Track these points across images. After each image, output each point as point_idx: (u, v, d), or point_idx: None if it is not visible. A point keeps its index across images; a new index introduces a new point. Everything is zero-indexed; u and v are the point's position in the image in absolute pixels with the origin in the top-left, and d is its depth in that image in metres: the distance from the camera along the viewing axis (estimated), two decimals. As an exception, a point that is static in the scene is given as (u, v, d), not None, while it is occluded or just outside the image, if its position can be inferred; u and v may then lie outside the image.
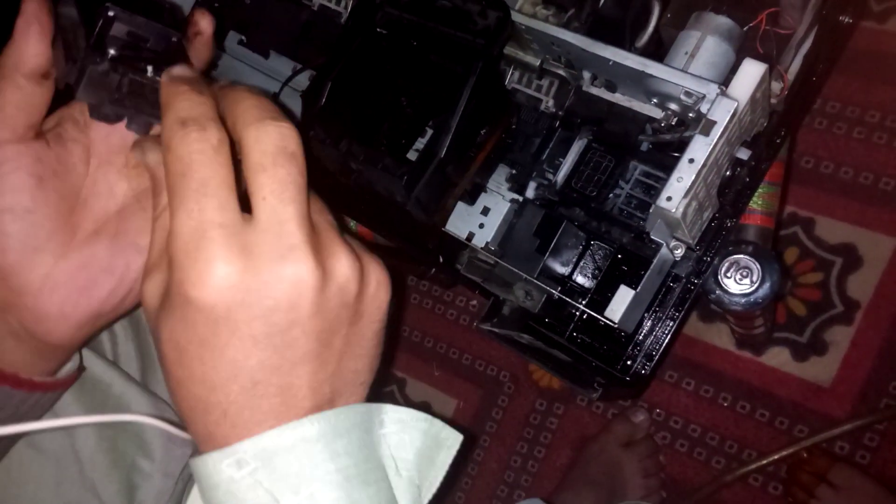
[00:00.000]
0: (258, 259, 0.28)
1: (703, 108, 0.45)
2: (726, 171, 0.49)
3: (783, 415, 0.88)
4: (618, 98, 0.54)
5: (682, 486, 0.91)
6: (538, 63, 0.54)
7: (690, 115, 0.48)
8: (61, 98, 0.35)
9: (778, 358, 0.89)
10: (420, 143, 0.57)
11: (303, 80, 0.64)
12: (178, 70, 0.32)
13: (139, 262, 0.37)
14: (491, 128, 0.51)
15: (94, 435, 0.50)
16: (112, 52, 0.32)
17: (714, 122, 0.43)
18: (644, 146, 0.53)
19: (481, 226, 0.57)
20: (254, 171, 0.29)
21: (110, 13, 0.31)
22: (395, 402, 0.77)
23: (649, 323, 0.52)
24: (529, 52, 0.54)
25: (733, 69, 0.48)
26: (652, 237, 0.51)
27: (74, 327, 0.37)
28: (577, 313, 0.54)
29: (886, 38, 0.90)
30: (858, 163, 0.89)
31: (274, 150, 0.29)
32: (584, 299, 0.53)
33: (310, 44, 0.65)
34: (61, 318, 0.36)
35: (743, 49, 0.51)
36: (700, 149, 0.43)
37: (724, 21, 0.50)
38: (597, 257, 0.54)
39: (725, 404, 0.91)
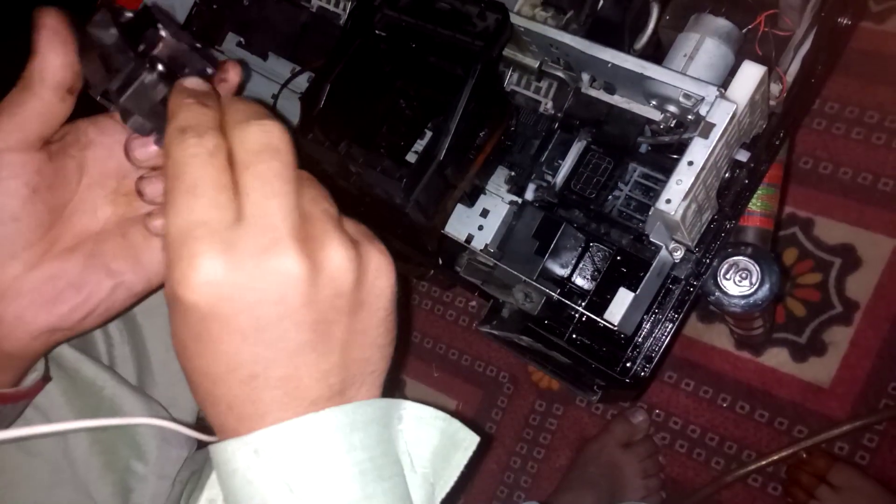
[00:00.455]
0: (241, 254, 0.28)
1: (702, 110, 0.45)
2: (725, 173, 0.49)
3: (782, 415, 0.88)
4: (617, 100, 0.54)
5: (681, 487, 0.91)
6: (537, 65, 0.54)
7: (689, 117, 0.48)
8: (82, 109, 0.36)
9: (777, 359, 0.89)
10: (419, 146, 0.57)
11: (302, 81, 0.64)
12: (190, 82, 0.33)
13: (107, 285, 0.38)
14: (490, 130, 0.51)
15: (87, 438, 0.50)
16: (160, 67, 0.32)
17: (713, 125, 0.43)
18: (643, 148, 0.53)
19: (480, 228, 0.57)
20: (239, 171, 0.29)
21: (162, 33, 0.33)
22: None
23: (648, 325, 0.52)
24: (528, 54, 0.54)
25: (732, 71, 0.48)
26: (651, 239, 0.51)
27: (29, 337, 0.37)
28: (577, 315, 0.54)
29: (885, 39, 0.90)
30: (857, 163, 0.89)
31: (257, 147, 0.29)
32: (583, 301, 0.53)
33: (308, 46, 0.65)
34: (18, 325, 0.36)
35: (742, 51, 0.51)
36: (699, 151, 0.43)
37: (722, 23, 0.51)
38: (596, 259, 0.54)
39: (725, 405, 0.91)
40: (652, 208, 0.44)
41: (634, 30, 0.55)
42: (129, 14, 0.33)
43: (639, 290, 0.50)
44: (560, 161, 0.55)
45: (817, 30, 0.53)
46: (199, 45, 0.34)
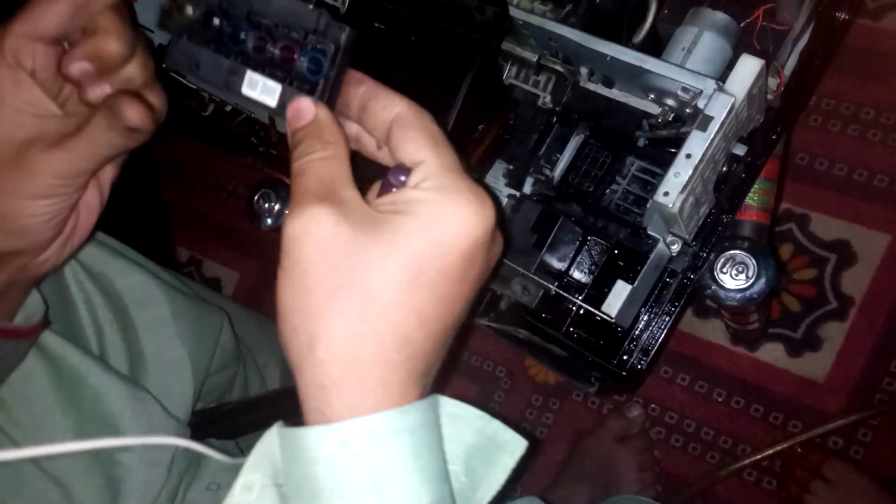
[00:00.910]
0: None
1: (700, 103, 0.45)
2: (723, 167, 0.49)
3: (777, 410, 0.88)
4: (615, 94, 0.54)
5: (676, 481, 0.92)
6: (535, 59, 0.54)
7: (687, 110, 0.48)
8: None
9: (772, 354, 0.90)
10: (417, 138, 0.57)
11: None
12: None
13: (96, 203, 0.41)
14: (488, 123, 0.51)
15: (73, 431, 0.50)
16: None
17: (711, 118, 0.43)
18: (641, 142, 0.54)
19: (478, 221, 0.57)
20: None
21: None
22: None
23: (645, 318, 0.52)
24: (527, 47, 0.54)
25: (730, 65, 0.48)
26: (649, 232, 0.51)
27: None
28: (574, 308, 0.54)
29: (881, 36, 0.90)
30: (853, 160, 0.89)
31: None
32: (580, 294, 0.53)
33: (307, 38, 0.65)
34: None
35: (740, 45, 0.51)
36: (697, 144, 0.43)
37: (721, 17, 0.51)
38: (593, 253, 0.54)
39: (720, 400, 0.91)
40: (650, 201, 0.45)
41: (632, 24, 0.55)
42: None
43: (636, 283, 0.50)
44: (558, 155, 0.56)
45: (815, 24, 0.53)
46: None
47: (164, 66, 0.36)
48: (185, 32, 0.35)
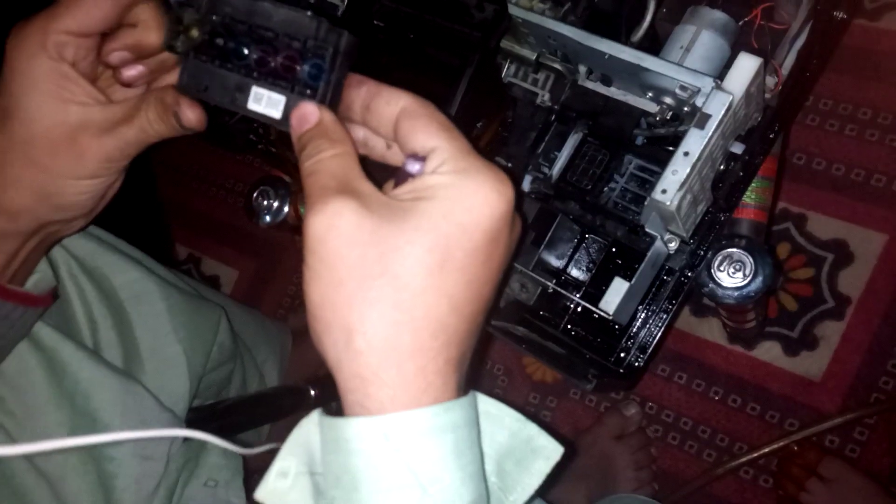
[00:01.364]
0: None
1: (699, 101, 0.45)
2: (720, 165, 0.49)
3: (774, 408, 0.89)
4: (613, 92, 0.54)
5: (673, 479, 0.92)
6: (534, 57, 0.55)
7: (685, 108, 0.48)
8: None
9: (769, 352, 0.90)
10: (416, 136, 0.57)
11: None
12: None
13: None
14: (487, 121, 0.52)
15: (66, 427, 0.50)
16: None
17: (709, 116, 0.44)
18: (639, 140, 0.54)
19: (477, 218, 0.57)
20: None
21: None
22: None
23: (643, 315, 0.53)
24: (526, 45, 0.54)
25: (728, 63, 0.48)
26: (647, 230, 0.51)
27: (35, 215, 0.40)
28: (572, 306, 0.54)
29: (878, 36, 0.91)
30: (850, 159, 0.89)
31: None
32: (578, 292, 0.53)
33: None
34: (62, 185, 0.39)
35: (738, 44, 0.52)
36: (695, 142, 0.44)
37: (719, 16, 0.51)
38: (591, 250, 0.54)
39: (717, 398, 0.91)
40: (648, 198, 0.45)
41: (631, 22, 0.56)
42: None
43: (634, 280, 0.50)
44: (556, 153, 0.56)
45: (813, 23, 0.53)
46: None
47: (175, 88, 0.37)
48: (192, 52, 0.36)
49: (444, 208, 0.29)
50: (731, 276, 0.53)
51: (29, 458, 0.49)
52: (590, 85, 0.55)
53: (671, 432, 0.93)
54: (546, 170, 0.56)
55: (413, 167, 0.31)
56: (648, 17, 0.55)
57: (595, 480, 0.89)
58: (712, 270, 0.53)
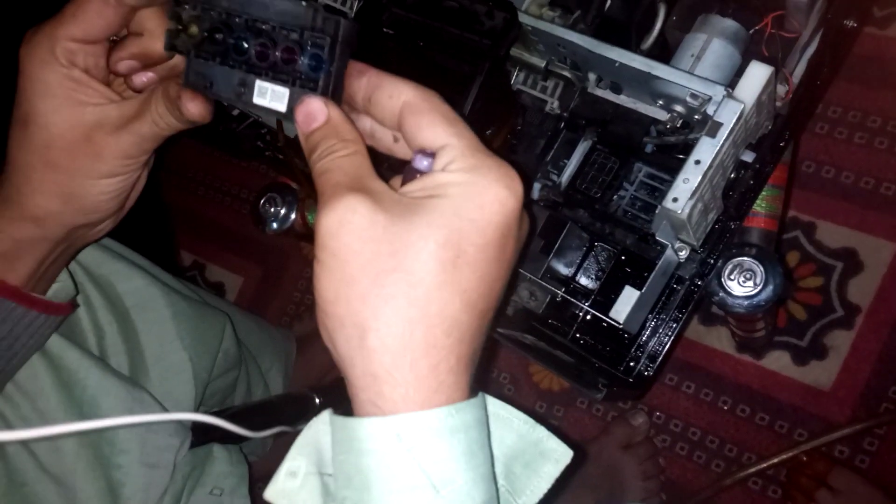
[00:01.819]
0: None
1: (710, 109, 0.45)
2: (731, 174, 0.49)
3: (783, 418, 0.88)
4: (623, 100, 0.54)
5: (681, 489, 0.91)
6: (543, 64, 0.54)
7: (696, 117, 0.48)
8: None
9: (778, 362, 0.89)
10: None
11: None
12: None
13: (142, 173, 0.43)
14: (496, 129, 0.51)
15: (76, 436, 0.50)
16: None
17: (720, 124, 0.43)
18: (649, 148, 0.54)
19: (485, 226, 0.57)
20: None
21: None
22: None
23: (652, 324, 0.52)
24: (535, 53, 0.54)
25: (739, 72, 0.48)
26: (657, 238, 0.51)
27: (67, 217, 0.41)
28: (581, 314, 0.54)
29: (888, 44, 0.90)
30: (859, 168, 0.89)
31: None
32: (587, 300, 0.53)
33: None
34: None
35: (748, 52, 0.51)
36: (706, 150, 0.43)
37: (730, 24, 0.51)
38: (600, 259, 0.54)
39: (725, 407, 0.91)
40: (658, 207, 0.45)
41: (641, 30, 0.55)
42: None
43: (644, 289, 0.50)
44: (565, 160, 0.56)
45: (823, 31, 0.53)
46: None
47: (181, 86, 0.37)
48: (194, 50, 0.36)
49: (456, 206, 0.29)
50: (742, 284, 0.52)
51: (41, 466, 0.48)
52: (599, 92, 0.55)
53: (679, 442, 0.93)
54: (555, 177, 0.56)
55: (421, 164, 0.31)
56: (658, 25, 0.55)
57: (602, 490, 0.88)
58: (723, 279, 0.52)
